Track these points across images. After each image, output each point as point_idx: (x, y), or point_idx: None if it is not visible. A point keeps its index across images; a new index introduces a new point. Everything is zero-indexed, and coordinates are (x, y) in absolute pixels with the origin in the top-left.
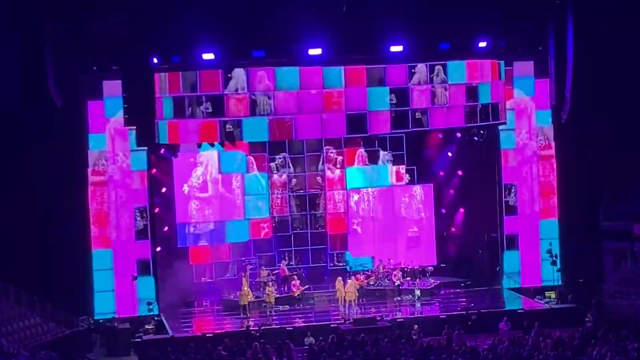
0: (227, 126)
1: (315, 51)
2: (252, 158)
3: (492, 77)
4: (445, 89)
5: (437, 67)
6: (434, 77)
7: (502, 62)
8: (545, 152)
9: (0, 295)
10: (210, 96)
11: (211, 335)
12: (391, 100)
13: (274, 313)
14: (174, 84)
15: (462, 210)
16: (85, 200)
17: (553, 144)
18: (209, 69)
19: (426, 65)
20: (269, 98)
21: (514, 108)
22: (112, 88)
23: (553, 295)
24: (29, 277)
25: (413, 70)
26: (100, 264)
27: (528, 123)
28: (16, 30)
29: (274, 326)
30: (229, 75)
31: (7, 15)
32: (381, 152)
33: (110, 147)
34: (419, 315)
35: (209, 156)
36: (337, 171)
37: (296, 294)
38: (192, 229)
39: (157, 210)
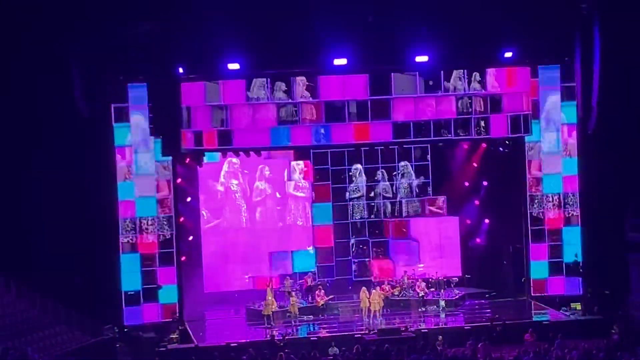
0: None
1: (340, 61)
2: None
3: (517, 87)
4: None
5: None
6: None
7: (528, 72)
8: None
9: (27, 304)
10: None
11: (235, 344)
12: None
13: (298, 323)
14: None
15: (487, 221)
16: (115, 208)
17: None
18: (234, 78)
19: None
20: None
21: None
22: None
23: (579, 306)
24: (55, 286)
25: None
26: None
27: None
28: (42, 39)
29: (298, 336)
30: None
31: (33, 23)
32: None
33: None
34: (443, 326)
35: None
36: None
37: (320, 304)
38: None
39: (182, 219)
